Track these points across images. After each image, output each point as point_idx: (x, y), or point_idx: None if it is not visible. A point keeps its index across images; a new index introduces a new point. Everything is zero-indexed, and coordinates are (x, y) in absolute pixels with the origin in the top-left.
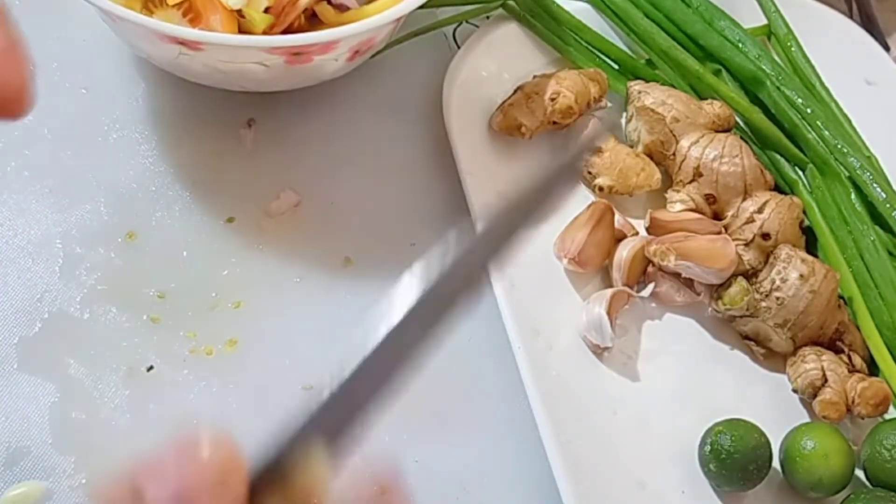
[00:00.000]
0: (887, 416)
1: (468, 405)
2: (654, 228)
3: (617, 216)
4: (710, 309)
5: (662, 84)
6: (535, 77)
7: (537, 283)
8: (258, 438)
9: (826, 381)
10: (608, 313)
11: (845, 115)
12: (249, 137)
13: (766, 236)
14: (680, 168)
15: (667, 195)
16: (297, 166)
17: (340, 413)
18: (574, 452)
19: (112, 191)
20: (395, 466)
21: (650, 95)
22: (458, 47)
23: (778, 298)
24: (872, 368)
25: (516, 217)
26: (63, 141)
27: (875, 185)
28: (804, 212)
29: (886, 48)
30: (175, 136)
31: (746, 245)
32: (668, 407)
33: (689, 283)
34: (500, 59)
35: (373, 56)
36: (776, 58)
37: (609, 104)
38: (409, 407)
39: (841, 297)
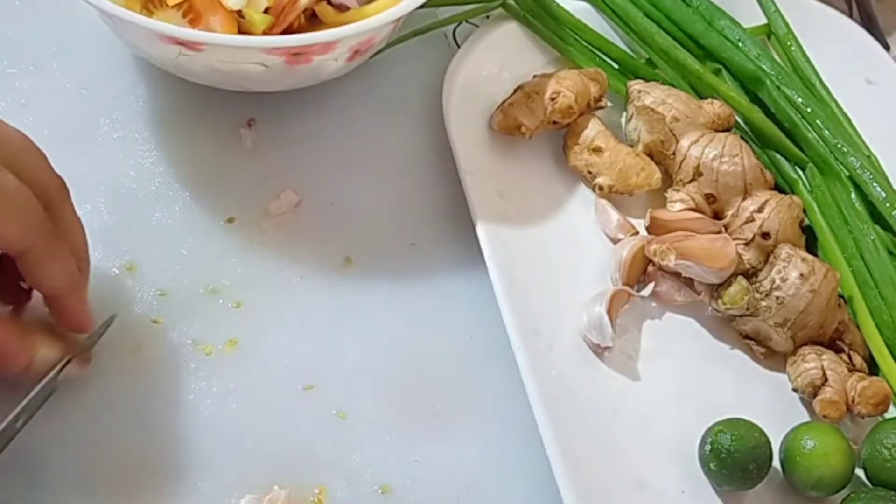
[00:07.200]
0: (887, 416)
1: (468, 405)
2: (654, 228)
3: (617, 216)
4: (710, 308)
5: (662, 83)
6: (535, 77)
7: (537, 283)
8: (258, 438)
9: (826, 380)
10: (608, 313)
11: (845, 115)
12: (249, 137)
13: (766, 235)
14: (680, 167)
15: (667, 194)
16: (297, 166)
17: None
18: (574, 452)
19: (112, 191)
20: None
21: (650, 95)
22: (458, 47)
23: (778, 298)
24: (872, 368)
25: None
26: (63, 141)
27: (875, 184)
28: (804, 211)
29: (886, 48)
30: (175, 136)
31: (746, 244)
32: (668, 407)
33: (689, 282)
34: (500, 59)
35: (373, 56)
36: (776, 57)
37: (609, 104)
38: (409, 407)
39: (841, 296)
